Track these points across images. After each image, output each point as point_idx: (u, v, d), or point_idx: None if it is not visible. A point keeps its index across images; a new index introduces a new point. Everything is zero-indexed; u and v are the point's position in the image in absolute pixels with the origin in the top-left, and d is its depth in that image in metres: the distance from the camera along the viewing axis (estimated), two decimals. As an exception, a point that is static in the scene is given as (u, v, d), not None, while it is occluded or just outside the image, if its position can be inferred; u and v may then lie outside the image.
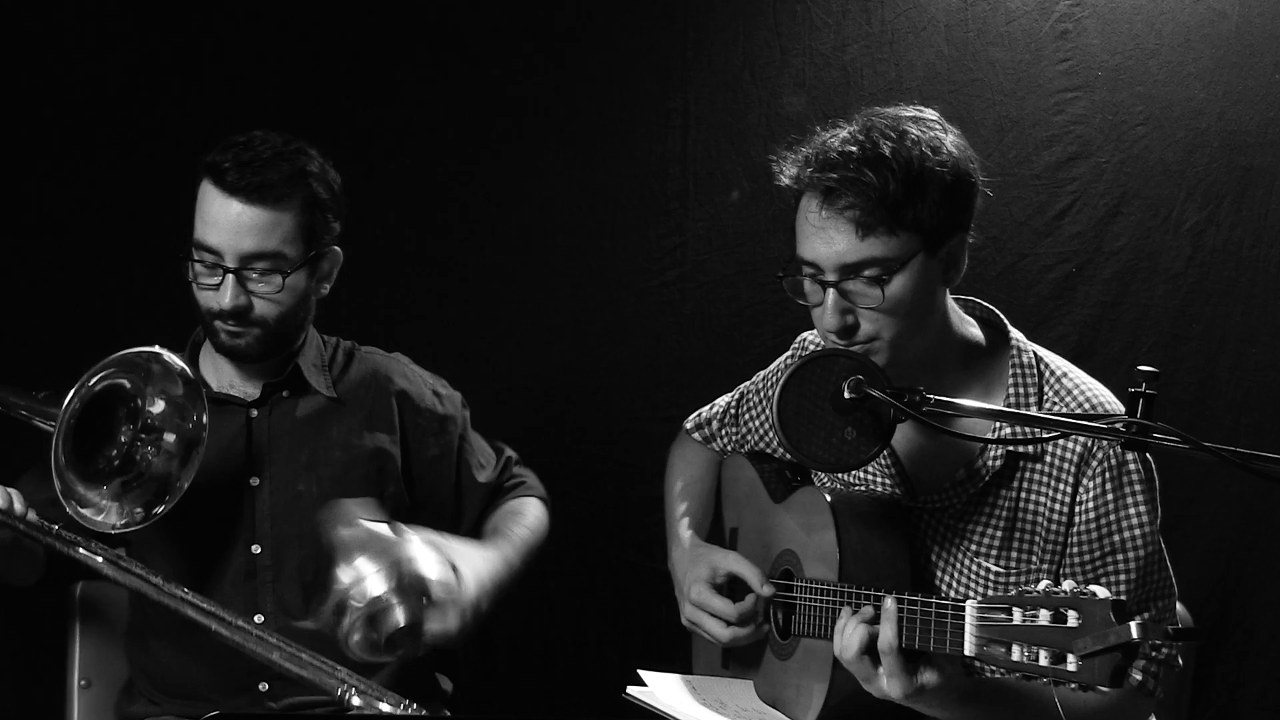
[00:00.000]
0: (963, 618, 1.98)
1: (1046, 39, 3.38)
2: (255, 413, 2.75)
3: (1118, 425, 2.05)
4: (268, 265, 2.63)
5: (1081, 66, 3.38)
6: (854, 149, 2.22)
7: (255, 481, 2.73)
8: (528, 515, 2.88)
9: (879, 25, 3.42)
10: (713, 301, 3.50)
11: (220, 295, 2.62)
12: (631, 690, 2.41)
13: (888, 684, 2.11)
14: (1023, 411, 2.32)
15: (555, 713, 3.43)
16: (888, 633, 2.10)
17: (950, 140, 2.26)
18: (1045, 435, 2.30)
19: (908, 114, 2.27)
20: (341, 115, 3.44)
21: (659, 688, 2.45)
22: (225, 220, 2.61)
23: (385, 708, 2.48)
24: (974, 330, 2.42)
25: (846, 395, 2.18)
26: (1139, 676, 2.29)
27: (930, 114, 2.29)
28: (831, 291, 2.25)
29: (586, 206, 3.52)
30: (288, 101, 3.40)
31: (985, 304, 2.45)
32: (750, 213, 3.47)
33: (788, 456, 2.47)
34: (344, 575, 2.44)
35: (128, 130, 3.41)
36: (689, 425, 2.81)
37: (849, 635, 2.14)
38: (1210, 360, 3.38)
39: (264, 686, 2.68)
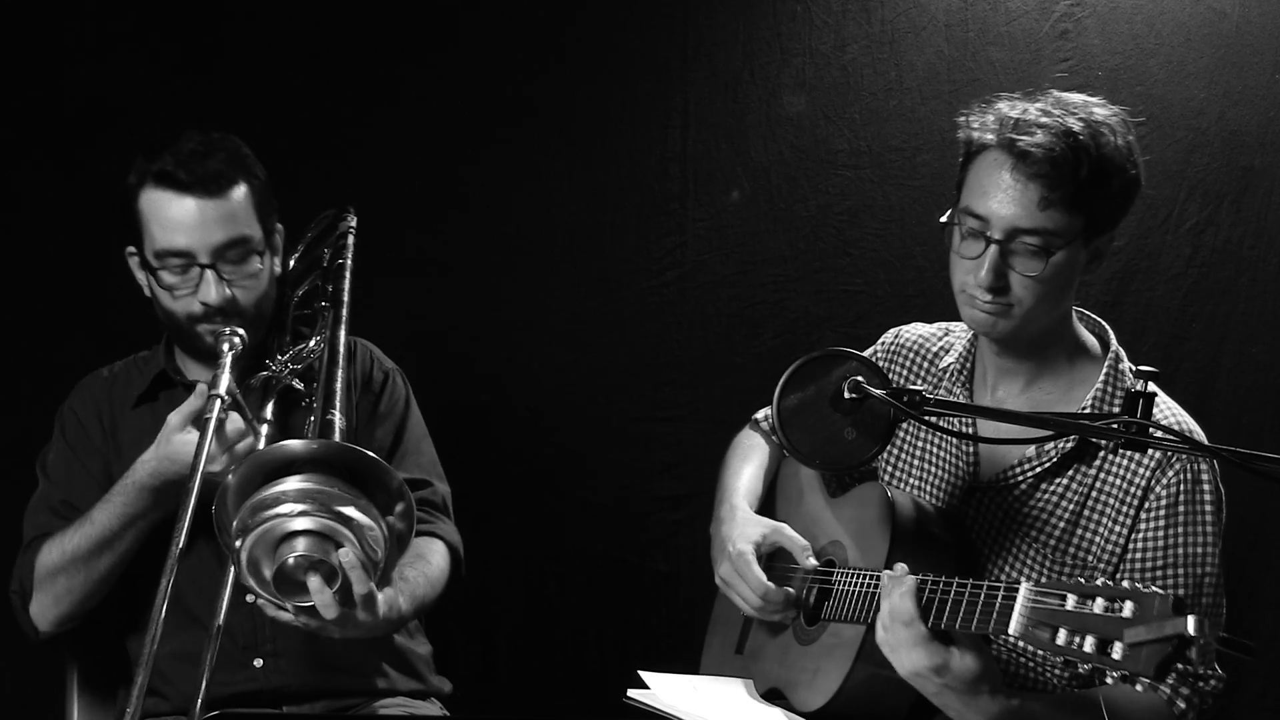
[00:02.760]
0: (1014, 598, 1.98)
1: (1046, 39, 3.38)
2: None
3: (1116, 425, 2.05)
4: (239, 252, 2.63)
5: (1081, 66, 3.37)
6: (1058, 125, 2.29)
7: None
8: (432, 565, 2.70)
9: (879, 25, 3.42)
10: (713, 301, 3.50)
11: (204, 292, 2.61)
12: (633, 693, 2.41)
13: (910, 656, 2.09)
14: (1021, 411, 2.33)
15: (555, 713, 3.43)
16: (907, 604, 2.09)
17: (1137, 145, 2.36)
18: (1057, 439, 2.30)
19: (1098, 103, 2.36)
20: (342, 115, 3.44)
21: (660, 688, 2.45)
22: (189, 219, 2.61)
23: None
24: (1086, 334, 2.49)
25: (846, 395, 2.18)
26: (1182, 705, 2.27)
27: (1120, 110, 2.38)
28: (994, 248, 2.30)
29: (586, 206, 3.51)
30: (288, 101, 3.40)
31: (1098, 319, 2.52)
32: (750, 213, 3.47)
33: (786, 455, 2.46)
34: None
35: (128, 130, 3.41)
36: (758, 416, 2.84)
37: (895, 599, 2.12)
38: (1210, 360, 3.37)
39: (258, 663, 2.68)
